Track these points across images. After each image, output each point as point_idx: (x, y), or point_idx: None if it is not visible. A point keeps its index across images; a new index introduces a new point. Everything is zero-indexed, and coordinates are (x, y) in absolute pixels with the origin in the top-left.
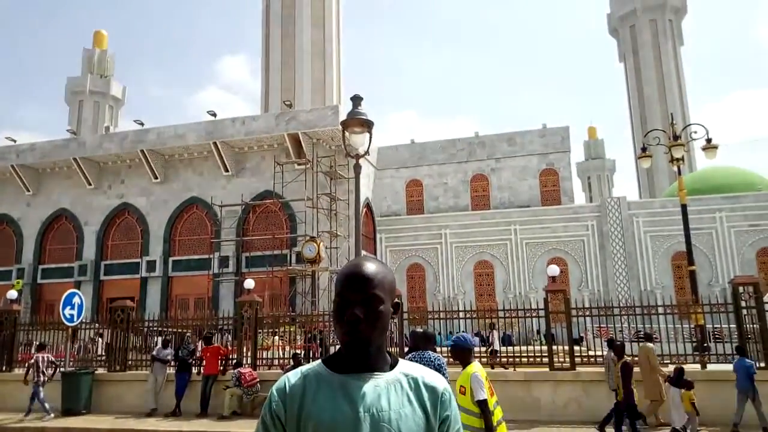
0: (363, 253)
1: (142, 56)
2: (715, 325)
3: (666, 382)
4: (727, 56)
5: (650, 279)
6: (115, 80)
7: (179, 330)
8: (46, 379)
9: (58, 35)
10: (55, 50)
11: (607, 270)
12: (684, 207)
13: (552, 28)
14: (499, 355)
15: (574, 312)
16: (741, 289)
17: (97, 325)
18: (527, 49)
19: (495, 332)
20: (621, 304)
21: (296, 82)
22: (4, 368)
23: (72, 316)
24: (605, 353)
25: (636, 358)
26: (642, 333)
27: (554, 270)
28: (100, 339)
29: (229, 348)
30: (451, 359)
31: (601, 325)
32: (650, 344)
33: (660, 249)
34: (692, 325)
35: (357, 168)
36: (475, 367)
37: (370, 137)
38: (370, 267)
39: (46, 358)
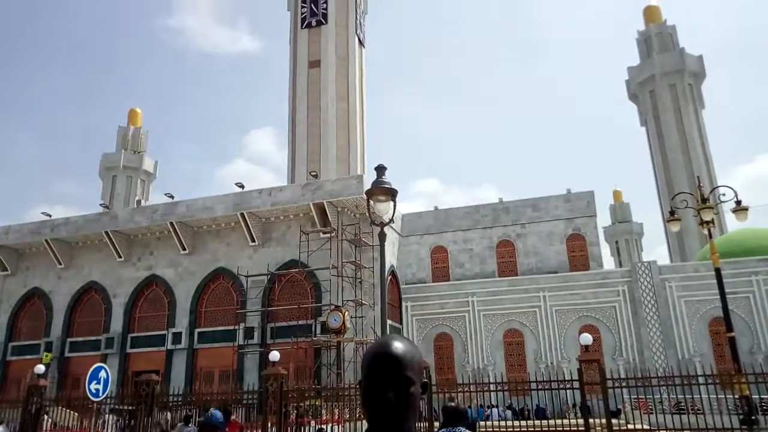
0: (389, 322)
1: (173, 132)
2: (762, 396)
3: None
4: (751, 118)
5: (688, 346)
6: (147, 156)
7: (203, 405)
8: None
9: (94, 113)
10: (92, 128)
11: (641, 337)
12: (718, 271)
13: (571, 93)
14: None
15: (610, 383)
16: None
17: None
18: (547, 115)
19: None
20: (659, 374)
21: (321, 153)
22: None
23: (98, 390)
24: (645, 426)
25: None
26: (683, 405)
27: (587, 339)
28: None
29: (253, 423)
30: None
31: (640, 397)
32: None
33: (696, 315)
34: (737, 396)
35: (382, 236)
36: None
37: (395, 205)
38: (399, 347)
39: None
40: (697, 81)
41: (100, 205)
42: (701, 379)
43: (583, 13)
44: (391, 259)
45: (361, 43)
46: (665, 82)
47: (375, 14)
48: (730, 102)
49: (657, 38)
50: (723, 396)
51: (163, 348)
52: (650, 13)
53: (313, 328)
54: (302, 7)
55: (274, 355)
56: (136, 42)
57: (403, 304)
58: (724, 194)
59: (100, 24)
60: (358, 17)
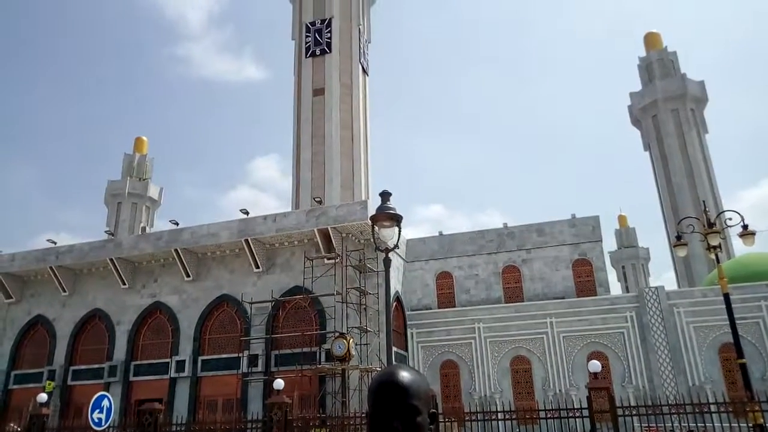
0: (394, 350)
1: (178, 159)
2: None
3: None
4: (754, 142)
5: (698, 373)
6: (152, 183)
7: None
8: None
9: (100, 141)
10: (97, 156)
11: (651, 364)
12: (726, 296)
13: (575, 118)
14: None
15: (620, 411)
16: None
17: (116, 430)
18: (551, 140)
19: None
20: (669, 401)
21: (325, 179)
22: None
23: (100, 420)
24: None
25: None
26: None
27: (596, 366)
28: None
29: None
30: None
31: (650, 425)
32: None
33: (705, 340)
34: (750, 424)
35: (387, 262)
36: None
37: (399, 231)
38: (405, 376)
39: None
40: (699, 106)
41: (105, 232)
42: (713, 407)
43: (585, 39)
44: (396, 285)
45: (364, 71)
46: (667, 107)
47: (378, 43)
48: (732, 127)
49: (658, 64)
50: (736, 424)
51: (166, 376)
52: (651, 40)
53: (318, 356)
54: (306, 36)
55: (279, 384)
56: (142, 70)
57: (409, 331)
58: (730, 219)
59: (107, 53)
60: (362, 46)
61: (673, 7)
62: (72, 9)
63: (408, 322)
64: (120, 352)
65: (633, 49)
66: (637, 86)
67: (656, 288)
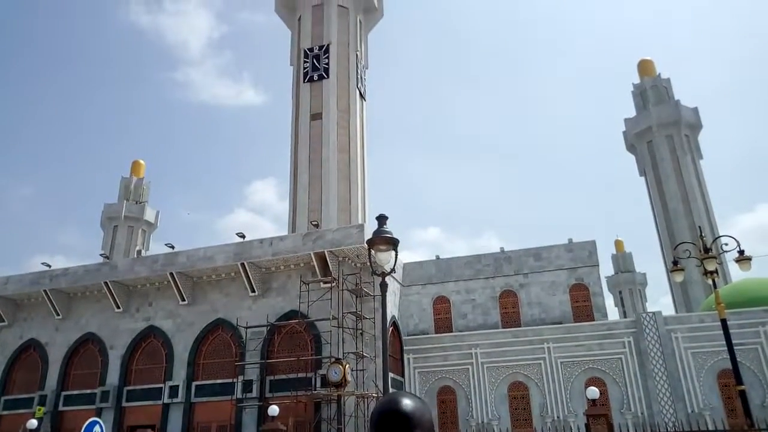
0: (391, 375)
1: (175, 182)
2: None
3: None
4: (749, 168)
5: (697, 400)
6: (149, 206)
7: None
8: None
9: (97, 164)
10: (94, 179)
11: (649, 391)
12: (724, 322)
13: (571, 143)
14: None
15: None
16: None
17: None
18: (547, 164)
19: None
20: (668, 429)
21: (322, 203)
22: None
23: None
24: None
25: None
26: None
27: (594, 392)
28: None
29: None
30: None
31: None
32: None
33: (704, 367)
34: None
35: (383, 286)
36: None
37: (396, 255)
38: (408, 404)
39: None
40: (694, 132)
41: (101, 255)
42: None
43: (581, 65)
44: (392, 310)
45: (362, 96)
46: (662, 133)
47: (375, 68)
48: (727, 152)
49: (652, 91)
50: None
51: (159, 401)
52: (644, 67)
53: (313, 382)
54: (305, 62)
55: (273, 410)
56: (141, 94)
57: (405, 356)
58: (726, 244)
59: (106, 76)
60: (359, 72)
61: (666, 35)
62: (72, 32)
63: (405, 348)
64: (113, 376)
65: (629, 72)
66: (632, 112)
67: (654, 313)
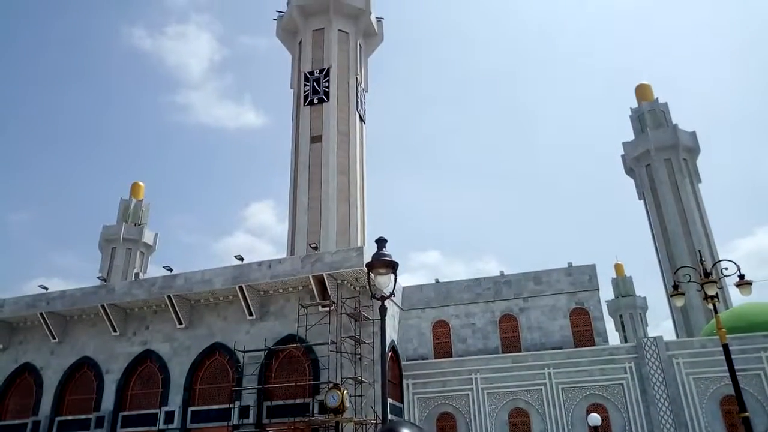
0: (389, 401)
1: (174, 204)
2: None
3: None
4: (748, 191)
5: (700, 427)
6: (147, 228)
7: None
8: None
9: (96, 186)
10: (93, 200)
11: (651, 417)
12: (726, 347)
13: (570, 166)
14: None
15: None
16: None
17: None
18: (546, 188)
19: None
20: None
21: (321, 225)
22: None
23: None
24: None
25: None
26: None
27: (596, 419)
28: None
29: None
30: None
31: None
32: None
33: (706, 393)
34: None
35: (383, 310)
36: None
37: (395, 278)
38: None
39: None
40: (692, 156)
41: (98, 278)
42: None
43: (579, 89)
44: (391, 334)
45: (361, 119)
46: (660, 156)
47: (375, 92)
48: (725, 176)
49: (650, 115)
50: None
51: (154, 428)
52: (642, 92)
53: (311, 407)
54: (305, 85)
55: None
56: (141, 117)
57: (404, 381)
58: (726, 268)
59: (106, 99)
60: (359, 95)
61: (664, 59)
62: (74, 56)
63: (404, 373)
64: (108, 401)
65: (627, 95)
66: (630, 136)
67: (655, 338)
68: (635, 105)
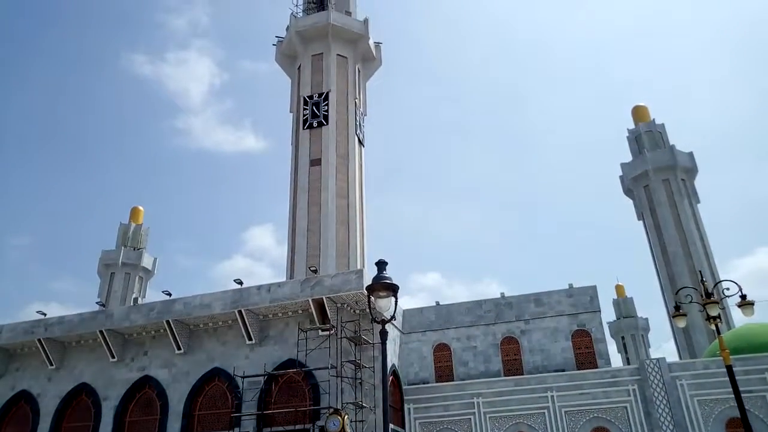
0: (391, 427)
1: (172, 228)
2: None
3: None
4: (747, 211)
5: None
6: (146, 252)
7: None
8: None
9: (96, 210)
10: (92, 225)
11: None
12: (730, 368)
13: (569, 188)
14: None
15: None
16: None
17: None
18: (544, 210)
19: None
20: None
21: (321, 248)
22: None
23: None
24: None
25: None
26: None
27: None
28: None
29: None
30: None
31: None
32: None
33: (711, 415)
34: None
35: (383, 334)
36: None
37: (396, 301)
38: None
39: None
40: (690, 176)
41: (97, 302)
42: None
43: (577, 109)
44: (392, 358)
45: (360, 142)
46: (659, 177)
47: (374, 115)
48: (724, 196)
49: (647, 136)
50: None
51: None
52: (638, 113)
53: None
54: (304, 109)
55: None
56: (141, 142)
57: (406, 406)
58: (728, 288)
59: (106, 124)
60: (358, 119)
61: (661, 80)
62: (74, 81)
63: (405, 397)
64: (106, 429)
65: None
66: (628, 156)
67: (658, 360)
68: (632, 126)
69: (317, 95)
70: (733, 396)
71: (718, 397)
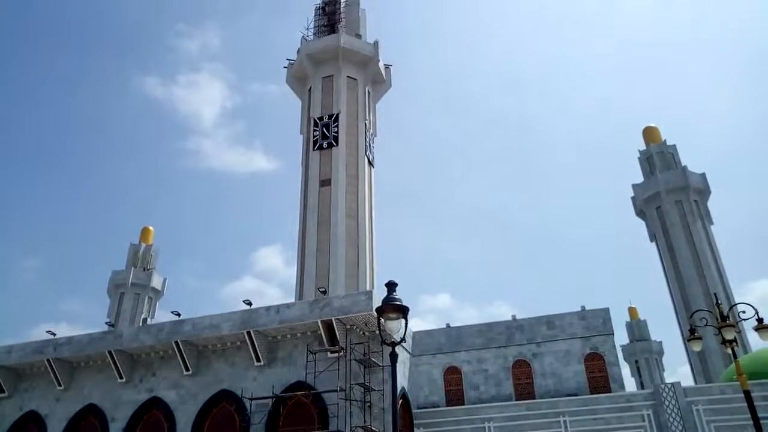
0: None
1: (182, 249)
2: None
3: None
4: (762, 232)
5: None
6: (156, 273)
7: None
8: None
9: (106, 230)
10: (102, 245)
11: None
12: (747, 393)
13: (580, 209)
14: None
15: None
16: None
17: None
18: (557, 231)
19: None
20: None
21: (330, 269)
22: None
23: None
24: None
25: None
26: None
27: None
28: None
29: None
30: None
31: None
32: None
33: None
34: None
35: (393, 356)
36: None
37: (406, 323)
38: None
39: None
40: (703, 197)
41: (106, 323)
42: None
43: (586, 131)
44: (402, 381)
45: (370, 163)
46: (671, 198)
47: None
48: (738, 217)
49: (659, 157)
50: None
51: None
52: (649, 134)
53: None
54: (314, 131)
55: None
56: (152, 162)
57: (415, 430)
58: (743, 312)
59: (117, 145)
60: (367, 140)
61: (672, 100)
62: (85, 103)
63: (415, 421)
64: None
65: (635, 137)
66: (639, 177)
67: (673, 384)
68: (643, 147)
69: (327, 117)
70: (751, 422)
71: (736, 424)
